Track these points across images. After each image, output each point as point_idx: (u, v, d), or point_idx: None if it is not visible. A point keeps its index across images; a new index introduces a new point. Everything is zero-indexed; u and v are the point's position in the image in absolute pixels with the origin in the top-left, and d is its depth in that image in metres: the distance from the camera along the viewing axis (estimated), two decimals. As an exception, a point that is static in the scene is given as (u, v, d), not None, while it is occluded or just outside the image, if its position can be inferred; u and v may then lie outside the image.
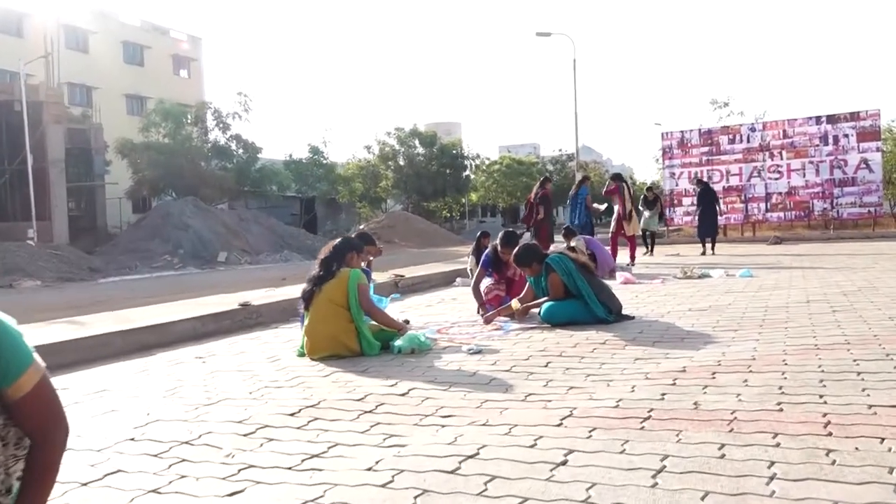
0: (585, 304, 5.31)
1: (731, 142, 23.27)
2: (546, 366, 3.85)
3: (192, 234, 21.36)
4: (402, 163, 44.00)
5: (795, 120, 22.67)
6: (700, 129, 24.33)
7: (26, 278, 15.04)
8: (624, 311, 5.88)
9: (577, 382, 3.36)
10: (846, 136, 21.96)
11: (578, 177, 29.32)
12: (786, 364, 3.43)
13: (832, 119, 22.13)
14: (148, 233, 21.66)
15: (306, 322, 4.86)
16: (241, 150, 30.26)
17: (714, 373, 3.32)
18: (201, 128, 29.75)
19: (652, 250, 15.31)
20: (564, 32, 26.20)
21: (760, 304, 5.98)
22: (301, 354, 4.82)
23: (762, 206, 22.84)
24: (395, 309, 7.29)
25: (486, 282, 6.50)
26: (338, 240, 5.28)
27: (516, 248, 5.73)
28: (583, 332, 4.97)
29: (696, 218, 16.17)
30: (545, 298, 5.52)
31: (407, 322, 6.35)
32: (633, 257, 12.61)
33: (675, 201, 23.67)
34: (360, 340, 4.70)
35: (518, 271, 6.35)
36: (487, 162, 55.88)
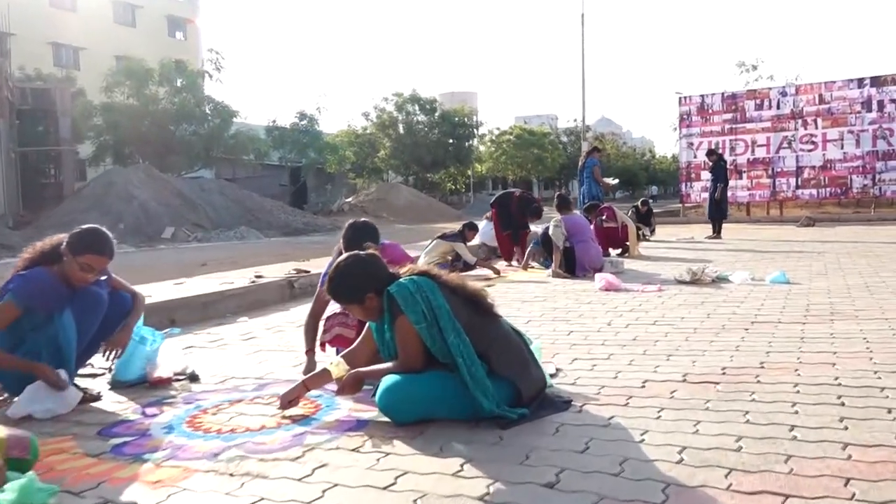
0: (462, 381, 2.56)
1: (759, 108, 20.22)
2: None
3: (137, 206, 18.75)
4: (401, 131, 41.04)
5: (833, 83, 19.55)
6: (723, 94, 21.18)
7: None
8: (560, 378, 3.13)
9: None
10: (893, 101, 18.87)
11: (585, 147, 26.46)
12: None
13: (877, 81, 19.00)
14: (88, 204, 19.07)
15: None
16: (213, 113, 27.44)
17: None
18: (171, 88, 26.94)
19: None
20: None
21: (823, 366, 3.18)
22: None
23: (792, 181, 19.82)
24: (181, 347, 4.60)
25: (334, 307, 3.76)
26: None
27: (335, 262, 2.95)
28: (432, 463, 2.22)
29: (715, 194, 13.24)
30: (388, 365, 2.77)
31: (193, 378, 3.67)
32: (625, 248, 9.81)
33: (693, 175, 20.75)
34: None
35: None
36: (497, 132, 52.80)
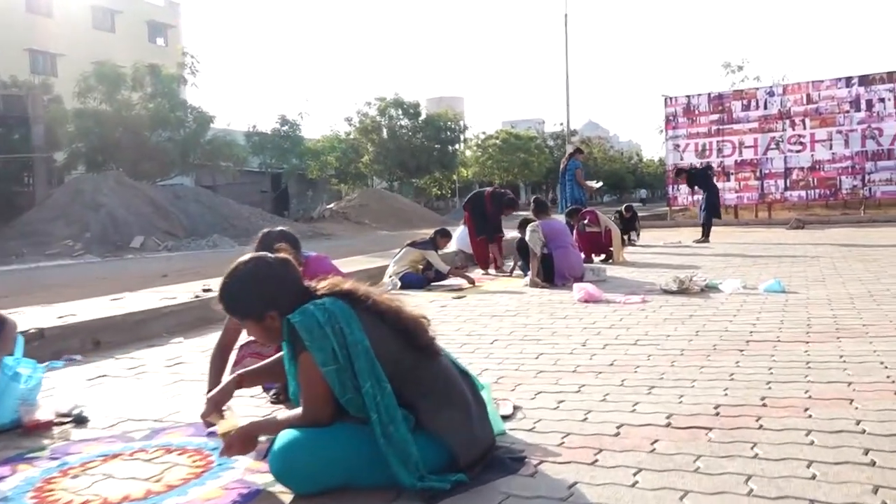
0: (376, 440, 1.95)
1: (746, 108, 19.77)
2: None
3: (105, 214, 18.01)
4: (385, 136, 40.39)
5: (821, 82, 19.12)
6: (709, 94, 20.69)
7: None
8: (517, 420, 2.53)
9: None
10: (882, 100, 18.43)
11: (569, 149, 26.03)
12: None
13: (865, 80, 18.58)
14: (54, 213, 18.33)
15: None
16: (190, 119, 26.67)
17: None
18: (144, 94, 26.16)
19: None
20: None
21: (838, 403, 2.59)
22: None
23: (780, 183, 19.36)
24: (87, 378, 3.98)
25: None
26: None
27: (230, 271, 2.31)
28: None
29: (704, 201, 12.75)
30: (290, 415, 2.16)
31: (80, 421, 3.05)
32: (609, 253, 9.26)
33: (680, 177, 20.24)
34: None
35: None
36: (483, 136, 52.37)
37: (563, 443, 2.35)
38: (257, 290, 2.16)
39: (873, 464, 2.00)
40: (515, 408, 2.80)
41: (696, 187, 13.31)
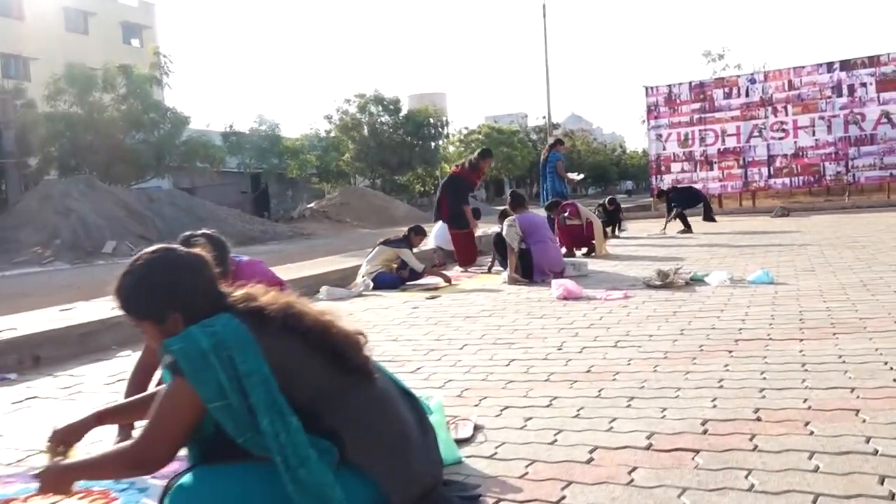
0: (282, 482, 1.59)
1: (728, 96, 19.53)
2: None
3: (75, 219, 17.51)
4: (366, 133, 39.93)
5: (803, 68, 18.93)
6: (690, 83, 20.44)
7: None
8: (477, 444, 2.20)
9: None
10: (864, 85, 18.24)
11: (550, 141, 25.74)
12: None
13: (846, 65, 18.40)
14: (22, 220, 17.82)
15: None
16: (163, 120, 26.11)
17: None
18: (117, 95, 25.56)
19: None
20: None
21: (843, 415, 2.27)
22: None
23: (764, 170, 19.15)
24: (10, 401, 3.61)
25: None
26: None
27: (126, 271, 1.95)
28: None
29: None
30: (116, 449, 1.76)
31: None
32: (591, 247, 8.96)
33: (663, 168, 20.02)
34: None
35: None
36: (466, 131, 52.03)
37: (526, 473, 2.01)
38: (161, 284, 1.78)
39: (892, 497, 1.68)
40: (476, 428, 2.46)
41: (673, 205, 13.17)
